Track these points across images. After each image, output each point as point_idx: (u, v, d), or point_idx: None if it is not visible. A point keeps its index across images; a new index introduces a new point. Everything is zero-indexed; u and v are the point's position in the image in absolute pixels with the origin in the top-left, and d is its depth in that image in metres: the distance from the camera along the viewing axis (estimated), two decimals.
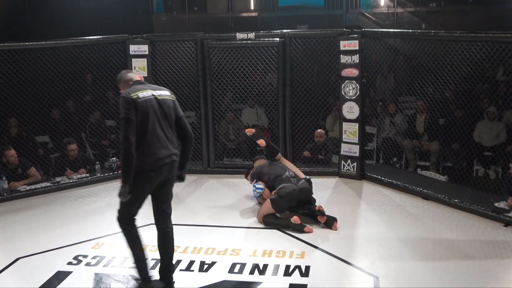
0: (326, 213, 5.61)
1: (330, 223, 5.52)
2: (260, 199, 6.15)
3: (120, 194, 3.98)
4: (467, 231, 5.40)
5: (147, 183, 4.10)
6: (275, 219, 5.63)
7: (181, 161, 4.31)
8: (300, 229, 5.41)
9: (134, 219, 4.27)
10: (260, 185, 6.09)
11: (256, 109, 8.75)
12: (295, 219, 5.47)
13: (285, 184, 5.73)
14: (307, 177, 6.03)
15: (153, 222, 5.69)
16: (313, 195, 5.93)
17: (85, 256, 4.93)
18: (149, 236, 5.33)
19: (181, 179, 4.39)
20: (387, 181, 6.92)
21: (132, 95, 4.01)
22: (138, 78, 4.30)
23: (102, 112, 8.16)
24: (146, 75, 7.52)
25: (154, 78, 7.74)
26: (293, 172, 6.02)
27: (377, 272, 4.48)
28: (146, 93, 4.09)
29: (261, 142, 6.41)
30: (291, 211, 5.74)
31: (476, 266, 4.60)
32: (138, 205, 4.23)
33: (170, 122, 4.17)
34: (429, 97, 7.30)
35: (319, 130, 7.89)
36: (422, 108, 7.68)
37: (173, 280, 4.33)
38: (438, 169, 7.53)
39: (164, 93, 4.22)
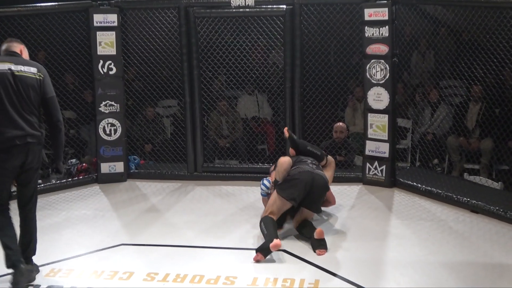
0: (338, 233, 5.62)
1: (316, 246, 5.50)
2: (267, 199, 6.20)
3: None
4: None
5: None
6: (270, 227, 5.52)
7: (53, 151, 5.09)
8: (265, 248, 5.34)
9: (4, 206, 4.84)
10: (269, 182, 6.19)
11: (256, 96, 8.76)
12: (276, 244, 5.29)
13: (299, 165, 5.87)
14: None
15: (124, 243, 5.77)
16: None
17: (36, 287, 4.94)
18: (119, 260, 5.35)
19: (57, 171, 5.04)
20: (425, 189, 6.94)
21: None
22: (13, 50, 4.94)
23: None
24: (114, 53, 7.53)
25: (125, 56, 7.75)
26: (317, 163, 6.09)
27: None
28: (2, 66, 4.73)
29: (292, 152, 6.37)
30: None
31: None
32: (1, 189, 4.79)
33: (29, 102, 4.76)
34: (480, 81, 7.31)
35: (339, 123, 7.90)
36: (479, 96, 7.67)
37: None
38: (491, 174, 7.54)
39: (27, 69, 4.81)
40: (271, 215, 5.68)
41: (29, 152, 4.72)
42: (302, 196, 5.73)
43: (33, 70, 4.82)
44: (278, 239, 5.33)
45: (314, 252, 5.45)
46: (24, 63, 4.85)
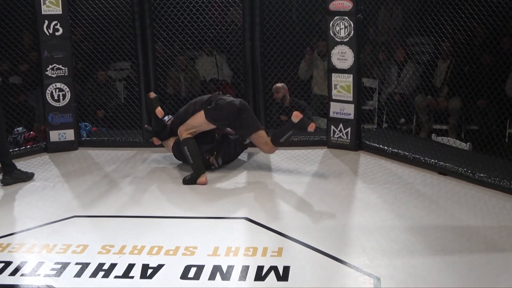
0: (309, 199, 5.74)
1: (304, 124, 6.31)
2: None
3: None
4: (496, 215, 5.53)
5: None
6: (195, 150, 6.47)
7: None
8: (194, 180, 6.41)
9: None
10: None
11: (215, 57, 8.74)
12: (202, 180, 6.38)
13: (220, 97, 6.60)
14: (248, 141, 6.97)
15: (77, 214, 5.77)
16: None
17: None
18: (72, 233, 5.36)
19: None
20: (391, 152, 7.04)
21: None
22: None
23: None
24: (60, 13, 7.41)
25: (72, 16, 7.64)
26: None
27: (378, 272, 4.57)
28: None
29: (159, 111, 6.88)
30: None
31: (508, 260, 4.73)
32: None
33: None
34: (448, 38, 7.38)
35: (276, 84, 7.95)
36: (447, 53, 7.76)
37: None
38: (459, 134, 7.68)
39: None
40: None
41: None
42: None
43: None
44: (205, 176, 6.40)
45: (306, 130, 6.35)
46: None
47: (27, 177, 6.63)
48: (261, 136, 6.63)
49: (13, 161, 6.95)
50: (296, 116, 6.35)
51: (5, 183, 6.51)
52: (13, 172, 6.55)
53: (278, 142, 6.55)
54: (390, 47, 8.19)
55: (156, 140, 7.02)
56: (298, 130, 6.44)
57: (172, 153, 7.05)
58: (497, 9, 6.72)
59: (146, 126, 7.25)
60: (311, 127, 6.35)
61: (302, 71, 8.50)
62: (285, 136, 6.48)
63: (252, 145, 7.01)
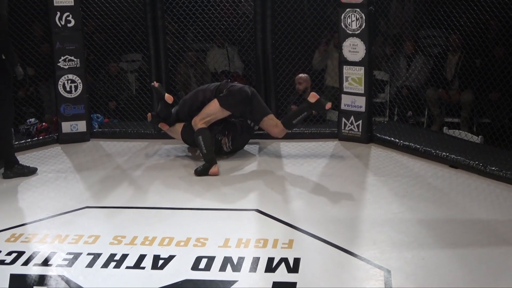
0: (320, 195, 5.74)
1: (321, 103, 6.54)
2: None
3: None
4: (508, 208, 5.52)
5: None
6: (209, 141, 6.53)
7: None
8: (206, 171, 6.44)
9: None
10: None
11: (226, 49, 8.74)
12: (214, 171, 6.41)
13: (231, 84, 6.80)
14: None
15: (89, 205, 5.80)
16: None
17: None
18: (84, 224, 5.39)
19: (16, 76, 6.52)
20: (403, 144, 7.04)
21: None
22: None
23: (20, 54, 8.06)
24: (72, 4, 7.45)
25: (83, 7, 7.67)
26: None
27: (389, 265, 4.58)
28: None
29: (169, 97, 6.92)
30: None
31: None
32: None
33: None
34: (459, 30, 7.35)
35: (300, 74, 7.95)
36: (456, 45, 7.74)
37: None
38: (471, 128, 7.66)
39: None
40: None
41: None
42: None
43: None
44: (217, 166, 6.42)
45: (324, 109, 6.70)
46: None
47: (29, 171, 6.60)
48: (271, 119, 6.83)
49: (25, 152, 7.00)
50: (313, 97, 6.54)
51: (6, 176, 6.50)
52: (14, 167, 6.53)
53: (290, 124, 6.74)
54: (402, 39, 8.17)
55: (164, 125, 7.02)
56: (314, 110, 6.73)
57: (180, 141, 7.13)
58: (510, 1, 6.69)
59: (152, 113, 7.20)
60: (328, 106, 6.63)
61: (316, 62, 8.49)
62: (299, 118, 6.66)
63: (260, 136, 7.05)
